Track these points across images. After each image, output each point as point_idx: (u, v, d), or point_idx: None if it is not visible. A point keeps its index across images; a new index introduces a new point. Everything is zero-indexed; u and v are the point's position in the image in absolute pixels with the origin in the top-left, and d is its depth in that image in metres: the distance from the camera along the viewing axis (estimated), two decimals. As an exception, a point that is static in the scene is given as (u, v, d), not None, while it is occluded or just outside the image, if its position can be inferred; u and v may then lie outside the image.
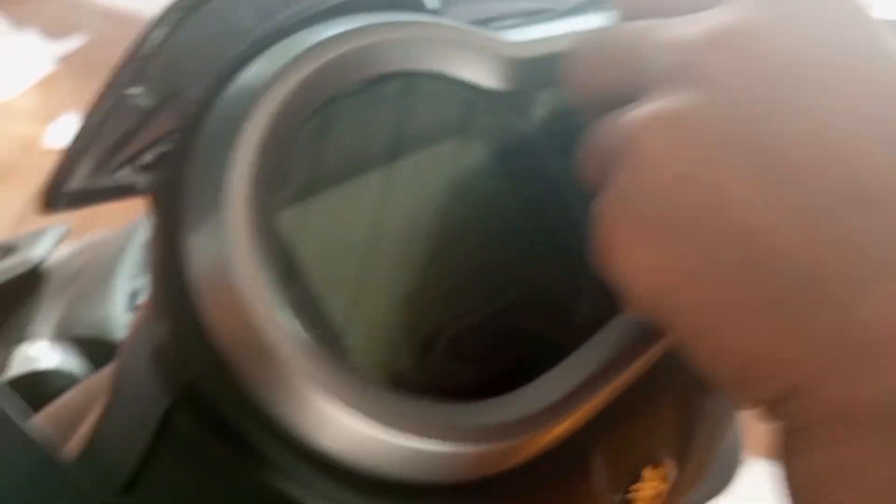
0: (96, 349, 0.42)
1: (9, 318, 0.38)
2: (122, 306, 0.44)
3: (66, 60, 1.89)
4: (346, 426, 0.25)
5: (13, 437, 0.27)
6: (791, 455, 0.21)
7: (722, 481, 0.51)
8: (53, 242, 0.41)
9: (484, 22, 0.35)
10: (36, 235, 0.41)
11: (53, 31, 1.93)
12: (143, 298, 0.47)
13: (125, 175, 0.35)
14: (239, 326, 0.25)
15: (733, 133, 0.19)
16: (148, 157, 0.33)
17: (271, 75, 0.26)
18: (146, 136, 0.31)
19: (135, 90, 0.29)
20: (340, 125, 0.27)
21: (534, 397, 0.26)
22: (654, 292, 0.20)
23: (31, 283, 0.39)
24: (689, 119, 0.19)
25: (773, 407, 0.20)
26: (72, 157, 0.28)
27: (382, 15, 0.28)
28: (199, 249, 0.25)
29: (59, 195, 0.29)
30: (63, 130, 1.75)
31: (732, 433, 0.51)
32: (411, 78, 0.26)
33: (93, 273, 0.48)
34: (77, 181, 0.30)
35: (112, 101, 0.28)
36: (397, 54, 0.26)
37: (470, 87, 0.28)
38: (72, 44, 1.91)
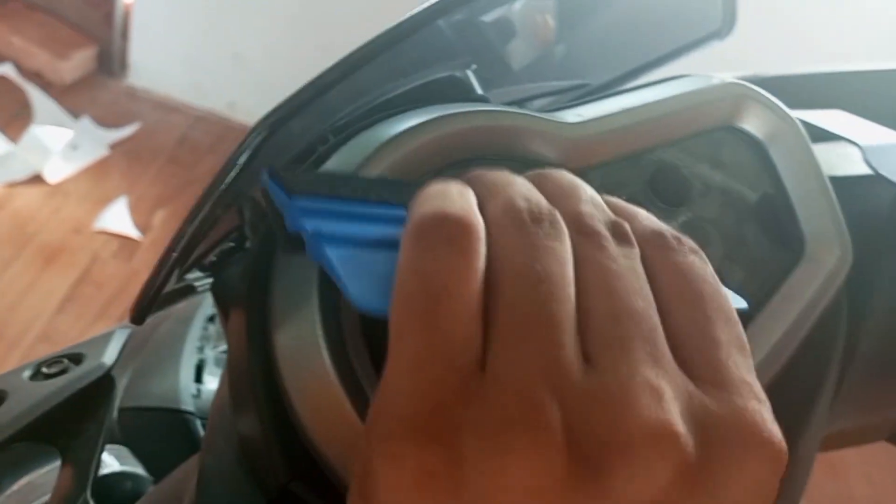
0: (165, 418, 0.43)
1: (88, 424, 0.37)
2: (189, 378, 0.46)
3: (118, 146, 1.97)
4: None
5: None
6: None
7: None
8: (120, 346, 0.39)
9: (522, 101, 0.37)
10: (102, 340, 0.40)
11: (107, 119, 2.02)
12: (211, 375, 0.48)
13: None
14: (338, 423, 0.24)
15: None
16: (211, 257, 0.33)
17: (354, 168, 0.26)
18: (212, 237, 0.31)
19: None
20: None
21: None
22: None
23: (104, 388, 0.38)
24: None
25: None
26: (166, 270, 0.29)
27: (445, 106, 0.29)
28: (291, 348, 0.25)
29: (148, 308, 0.30)
30: (113, 214, 1.81)
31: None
32: (487, 162, 0.27)
33: (159, 345, 0.49)
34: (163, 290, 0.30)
35: (203, 216, 0.28)
36: (472, 142, 0.27)
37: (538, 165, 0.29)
38: (124, 132, 1.99)
